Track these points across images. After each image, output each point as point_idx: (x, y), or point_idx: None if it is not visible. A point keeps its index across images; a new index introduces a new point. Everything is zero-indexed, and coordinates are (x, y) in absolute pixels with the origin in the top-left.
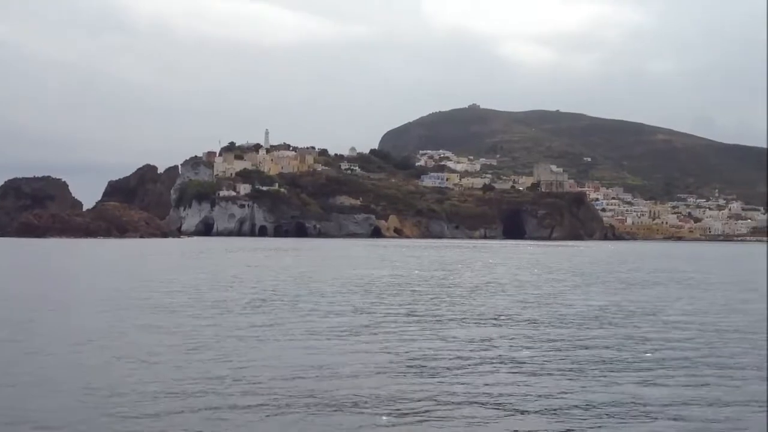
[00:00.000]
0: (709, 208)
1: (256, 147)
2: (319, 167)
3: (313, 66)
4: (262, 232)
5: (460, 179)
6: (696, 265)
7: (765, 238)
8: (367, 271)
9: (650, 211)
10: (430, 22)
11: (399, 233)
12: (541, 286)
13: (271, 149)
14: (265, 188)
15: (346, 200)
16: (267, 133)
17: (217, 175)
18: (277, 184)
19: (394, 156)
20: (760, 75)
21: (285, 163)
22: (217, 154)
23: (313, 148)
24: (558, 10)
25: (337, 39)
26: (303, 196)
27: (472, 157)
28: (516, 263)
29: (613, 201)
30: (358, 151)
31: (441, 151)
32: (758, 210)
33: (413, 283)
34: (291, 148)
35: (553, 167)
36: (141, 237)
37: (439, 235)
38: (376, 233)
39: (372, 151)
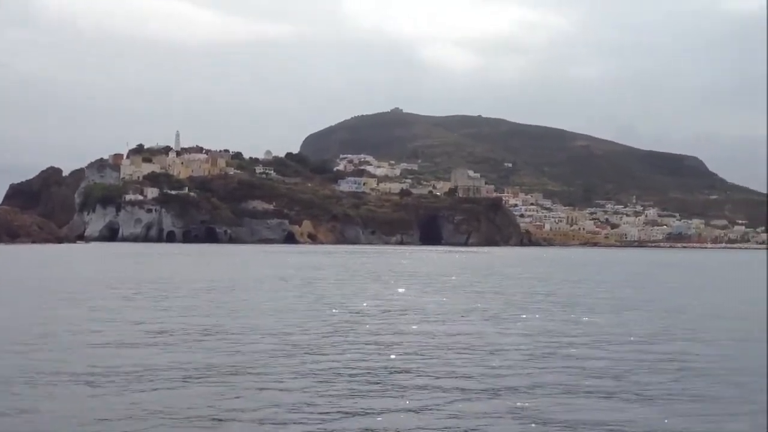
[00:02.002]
0: (626, 215)
1: (166, 149)
2: (232, 171)
3: (230, 66)
4: (170, 238)
5: (377, 184)
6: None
7: (679, 245)
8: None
9: (568, 217)
10: (353, 24)
11: (313, 239)
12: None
13: (182, 152)
14: (173, 192)
15: (259, 205)
16: (178, 135)
17: (124, 178)
18: (186, 188)
19: (311, 160)
20: (680, 82)
21: (196, 167)
22: (125, 157)
23: (227, 151)
24: (482, 15)
25: (256, 38)
26: (214, 201)
27: (393, 162)
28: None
29: (532, 207)
30: (275, 155)
31: (362, 155)
32: (674, 216)
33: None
34: (204, 151)
35: (471, 172)
36: (33, 243)
37: (355, 241)
38: (290, 239)
39: (288, 155)
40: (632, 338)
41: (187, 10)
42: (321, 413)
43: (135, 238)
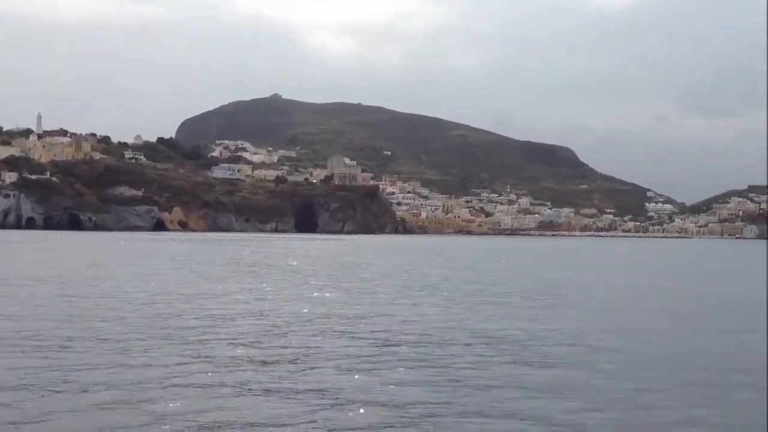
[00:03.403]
0: (501, 203)
1: (27, 132)
2: (98, 155)
3: (102, 47)
4: (30, 225)
5: (253, 171)
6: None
7: (548, 233)
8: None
9: (444, 206)
10: (232, 9)
11: (184, 226)
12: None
13: (43, 135)
14: (34, 177)
15: (126, 191)
16: (39, 117)
17: None
18: (48, 173)
19: (184, 145)
20: (554, 75)
21: (58, 151)
22: None
23: (94, 135)
24: (363, 3)
25: (131, 20)
26: (78, 186)
27: (270, 149)
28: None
29: (409, 195)
30: (146, 140)
31: (239, 141)
32: (545, 205)
33: None
34: (68, 135)
35: (347, 160)
36: None
37: (228, 228)
38: (159, 226)
39: (160, 140)
40: (344, 317)
41: None
42: None
43: None
